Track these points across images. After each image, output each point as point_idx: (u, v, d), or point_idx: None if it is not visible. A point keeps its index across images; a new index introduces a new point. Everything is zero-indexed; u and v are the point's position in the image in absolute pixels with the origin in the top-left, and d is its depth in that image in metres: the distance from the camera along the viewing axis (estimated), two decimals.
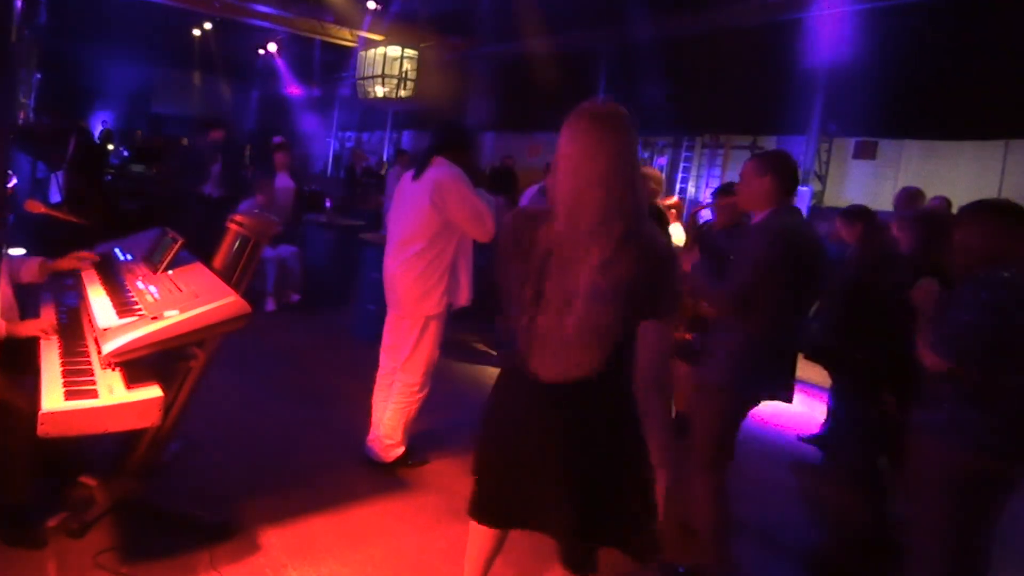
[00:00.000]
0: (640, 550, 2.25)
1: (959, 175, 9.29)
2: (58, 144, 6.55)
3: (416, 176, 3.89)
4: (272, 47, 17.39)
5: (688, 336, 3.78)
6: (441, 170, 3.79)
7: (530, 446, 2.19)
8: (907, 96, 8.87)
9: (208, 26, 16.40)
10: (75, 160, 6.37)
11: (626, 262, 2.02)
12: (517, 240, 2.18)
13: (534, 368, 2.16)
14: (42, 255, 3.29)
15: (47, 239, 4.11)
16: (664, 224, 4.13)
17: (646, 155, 13.08)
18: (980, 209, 2.78)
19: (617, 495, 2.19)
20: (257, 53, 18.29)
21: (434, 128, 4.08)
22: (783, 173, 3.05)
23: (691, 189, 12.59)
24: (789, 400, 3.15)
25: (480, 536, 2.51)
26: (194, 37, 17.48)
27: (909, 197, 5.50)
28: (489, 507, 2.38)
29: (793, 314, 3.10)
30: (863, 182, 10.37)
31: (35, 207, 3.51)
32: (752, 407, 3.18)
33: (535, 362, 2.15)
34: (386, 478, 3.97)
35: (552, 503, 2.18)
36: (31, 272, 3.23)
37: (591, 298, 2.02)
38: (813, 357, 4.65)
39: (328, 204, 9.65)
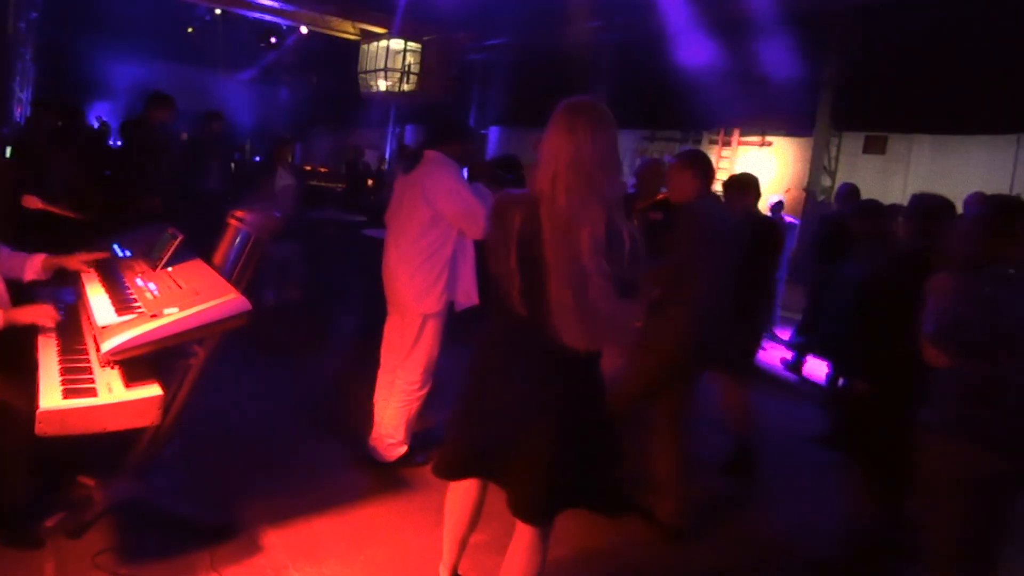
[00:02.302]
0: (609, 507, 2.47)
1: (970, 170, 9.18)
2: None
3: (408, 171, 3.85)
4: (273, 39, 17.31)
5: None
6: (432, 164, 3.74)
7: (527, 404, 2.32)
8: (917, 90, 8.81)
9: (209, 18, 16.32)
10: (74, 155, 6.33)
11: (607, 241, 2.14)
12: (501, 222, 2.30)
13: (549, 335, 2.19)
14: (39, 251, 3.24)
15: (45, 235, 4.06)
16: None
17: (652, 148, 12.99)
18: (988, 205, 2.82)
19: (592, 458, 2.37)
20: (260, 46, 18.19)
21: (427, 121, 4.04)
22: (700, 167, 3.70)
23: None
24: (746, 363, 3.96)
25: (457, 505, 2.72)
26: (195, 29, 17.42)
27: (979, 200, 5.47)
28: (456, 460, 2.54)
29: (722, 284, 3.65)
30: (873, 178, 10.23)
31: (32, 202, 3.45)
32: (702, 368, 3.84)
33: (551, 330, 2.19)
34: (389, 477, 3.93)
35: (527, 462, 2.31)
36: (34, 269, 3.16)
37: (596, 274, 2.12)
38: (824, 353, 4.61)
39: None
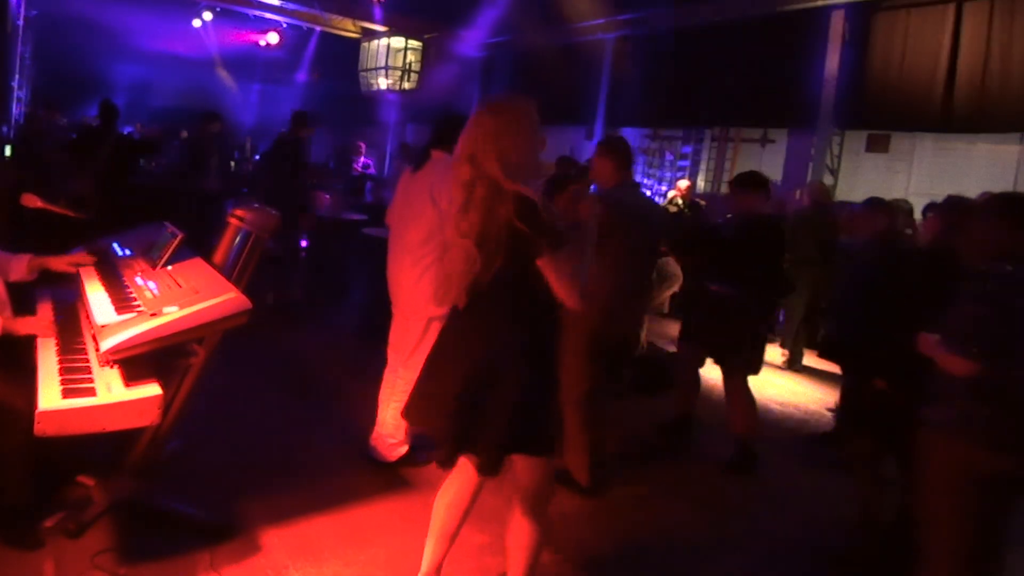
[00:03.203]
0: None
1: (973, 170, 9.11)
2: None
3: (415, 171, 3.82)
4: (274, 38, 17.26)
5: None
6: (439, 165, 3.70)
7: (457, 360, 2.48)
8: (920, 89, 8.72)
9: (208, 16, 16.27)
10: (75, 155, 6.32)
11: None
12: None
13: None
14: (38, 250, 3.21)
15: (44, 234, 4.04)
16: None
17: (654, 146, 12.94)
18: (1000, 203, 2.79)
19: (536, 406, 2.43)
20: (259, 45, 18.13)
21: (433, 121, 4.00)
22: (619, 154, 3.96)
23: (700, 183, 12.42)
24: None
25: (444, 503, 2.71)
26: (195, 28, 17.38)
27: None
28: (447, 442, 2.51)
29: (638, 265, 4.10)
30: (875, 176, 10.16)
31: (32, 201, 3.43)
32: (614, 341, 4.06)
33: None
34: (390, 477, 3.91)
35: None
36: (19, 270, 3.12)
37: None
38: (827, 355, 4.58)
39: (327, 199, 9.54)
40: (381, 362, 4.10)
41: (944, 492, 2.68)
